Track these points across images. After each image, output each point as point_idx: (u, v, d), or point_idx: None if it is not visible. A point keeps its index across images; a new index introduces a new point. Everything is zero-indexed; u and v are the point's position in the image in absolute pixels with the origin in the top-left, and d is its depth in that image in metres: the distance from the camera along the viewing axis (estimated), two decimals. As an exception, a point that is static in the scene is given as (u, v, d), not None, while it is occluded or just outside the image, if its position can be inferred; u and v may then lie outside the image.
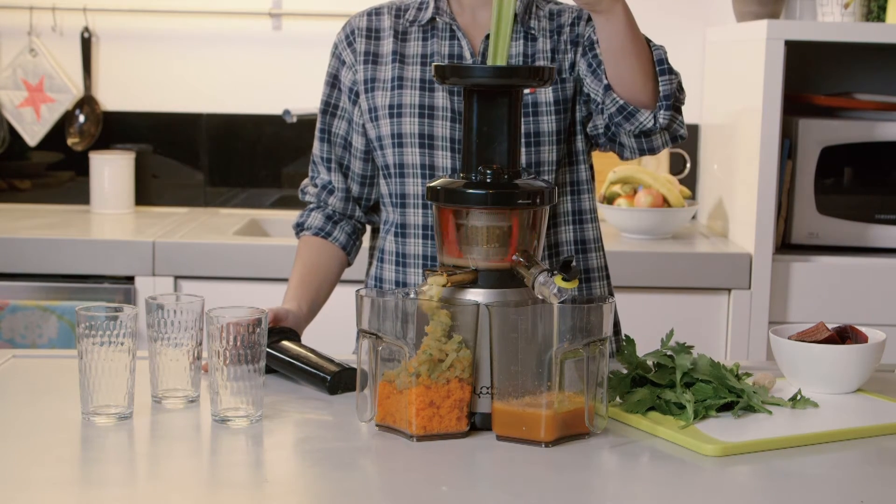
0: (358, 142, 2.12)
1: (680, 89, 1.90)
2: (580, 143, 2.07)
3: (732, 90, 3.28)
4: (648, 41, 1.88)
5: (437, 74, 1.69)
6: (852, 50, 3.44)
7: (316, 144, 2.16)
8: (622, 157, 1.99)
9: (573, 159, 2.07)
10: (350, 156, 2.13)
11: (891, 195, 3.12)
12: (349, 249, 2.17)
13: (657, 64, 1.85)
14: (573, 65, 2.04)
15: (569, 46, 2.04)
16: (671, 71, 1.86)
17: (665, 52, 1.88)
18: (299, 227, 2.18)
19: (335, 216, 2.17)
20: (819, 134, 3.08)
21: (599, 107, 1.94)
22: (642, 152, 1.95)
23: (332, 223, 2.16)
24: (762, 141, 2.98)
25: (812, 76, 3.47)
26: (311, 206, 2.18)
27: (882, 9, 3.15)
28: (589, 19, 2.03)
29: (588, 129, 2.02)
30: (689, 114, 3.53)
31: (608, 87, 1.88)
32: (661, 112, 1.86)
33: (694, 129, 3.55)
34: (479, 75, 1.67)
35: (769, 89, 2.97)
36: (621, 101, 1.87)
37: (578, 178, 2.08)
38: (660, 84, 1.85)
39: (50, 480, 1.42)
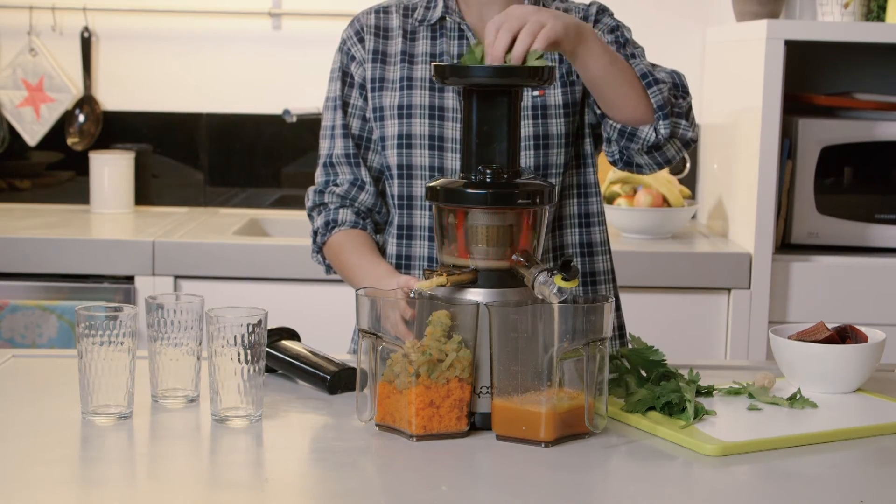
0: (375, 136, 2.04)
1: (680, 94, 1.91)
2: (588, 146, 2.06)
3: (732, 90, 3.28)
4: (628, 57, 1.90)
5: (437, 74, 1.69)
6: (852, 50, 3.43)
7: (333, 143, 2.06)
8: (644, 174, 2.00)
9: (581, 162, 2.06)
10: (370, 152, 2.05)
11: (891, 195, 3.12)
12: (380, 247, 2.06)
13: (641, 78, 1.86)
14: None
15: None
16: (657, 81, 1.87)
17: (648, 66, 1.88)
18: (331, 225, 2.04)
19: (362, 213, 2.06)
20: (819, 134, 3.08)
21: (605, 135, 1.94)
22: (659, 166, 1.95)
23: (362, 220, 2.05)
24: (762, 141, 2.98)
25: (812, 76, 3.47)
26: (334, 205, 2.06)
27: (882, 9, 3.15)
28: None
29: (606, 156, 2.00)
30: (689, 114, 3.53)
31: (603, 115, 1.90)
32: (661, 123, 1.87)
33: (694, 129, 3.55)
34: (478, 75, 1.66)
35: (769, 89, 2.96)
36: (619, 125, 1.88)
37: (586, 180, 2.07)
38: (650, 97, 1.86)
39: (50, 480, 1.42)
